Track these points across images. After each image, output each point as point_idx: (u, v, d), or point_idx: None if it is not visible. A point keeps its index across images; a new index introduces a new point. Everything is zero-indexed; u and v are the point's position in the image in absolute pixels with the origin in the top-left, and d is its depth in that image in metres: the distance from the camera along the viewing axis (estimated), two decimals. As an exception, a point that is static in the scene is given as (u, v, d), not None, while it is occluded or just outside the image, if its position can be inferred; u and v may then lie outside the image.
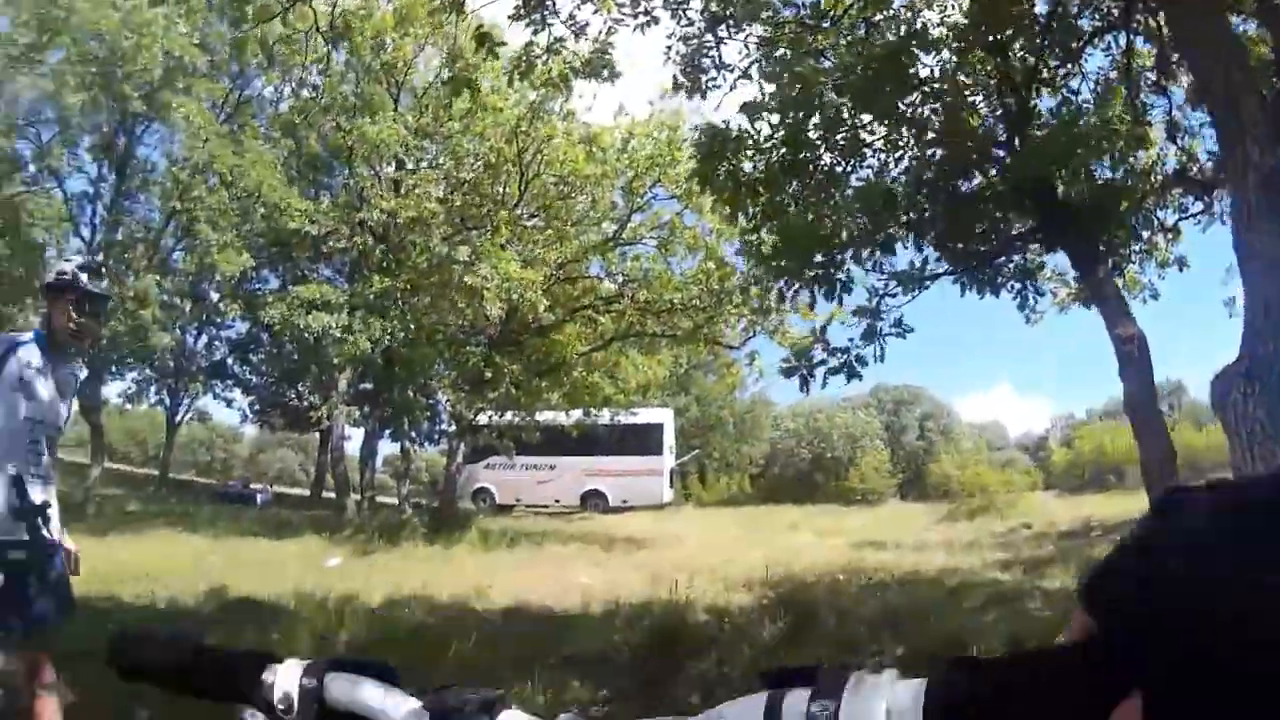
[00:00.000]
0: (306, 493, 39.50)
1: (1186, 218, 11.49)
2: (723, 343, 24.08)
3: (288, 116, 26.16)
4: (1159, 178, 10.90)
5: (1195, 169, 10.83)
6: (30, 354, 3.95)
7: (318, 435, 34.93)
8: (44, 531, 3.89)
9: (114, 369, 27.66)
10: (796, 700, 0.64)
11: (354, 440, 28.57)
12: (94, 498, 22.31)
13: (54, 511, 3.99)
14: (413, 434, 25.08)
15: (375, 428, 26.83)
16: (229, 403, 36.72)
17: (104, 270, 4.38)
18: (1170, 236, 11.44)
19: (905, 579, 9.92)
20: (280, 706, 0.83)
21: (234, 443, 71.70)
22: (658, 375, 25.03)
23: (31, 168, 24.68)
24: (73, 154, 24.95)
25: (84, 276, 4.04)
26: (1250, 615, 0.49)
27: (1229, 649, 0.50)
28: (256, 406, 37.71)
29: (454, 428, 24.46)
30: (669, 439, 32.32)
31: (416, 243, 22.86)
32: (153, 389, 33.16)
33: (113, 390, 31.67)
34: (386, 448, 31.61)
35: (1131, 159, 10.31)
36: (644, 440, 31.16)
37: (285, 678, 0.84)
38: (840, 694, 0.62)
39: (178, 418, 37.35)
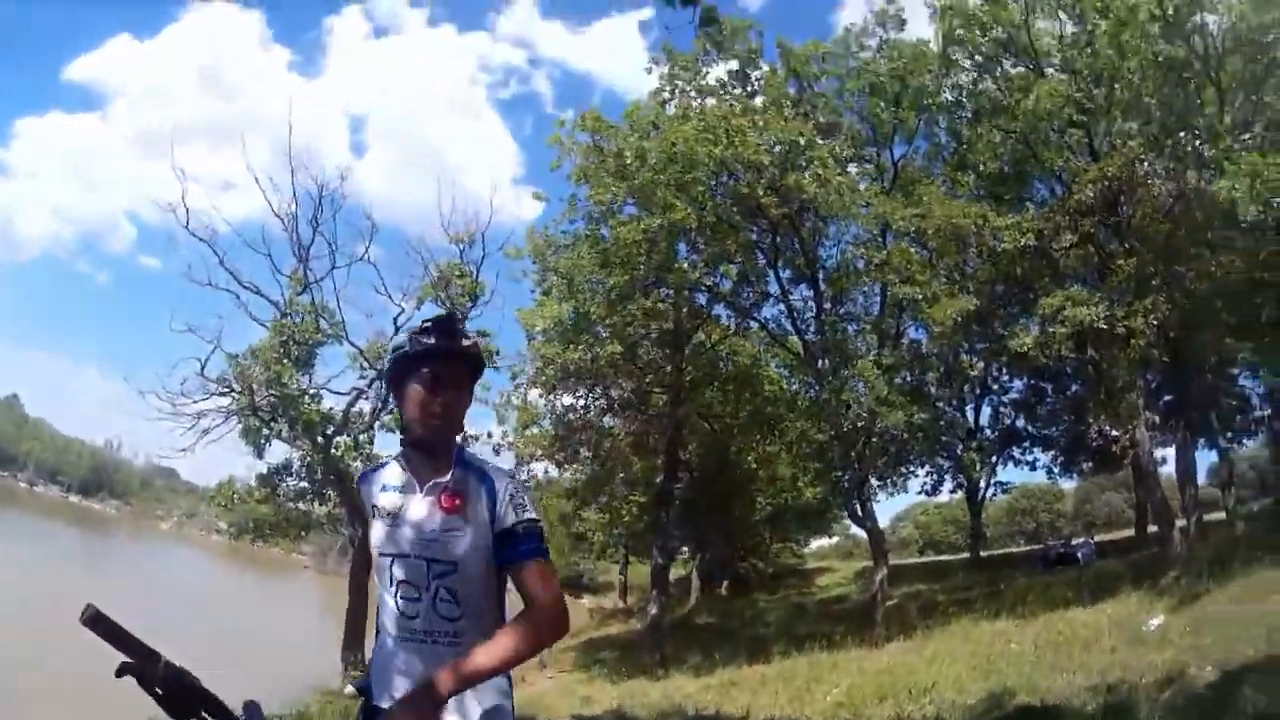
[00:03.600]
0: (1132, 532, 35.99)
1: None
2: None
3: (959, 154, 24.90)
4: None
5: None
6: (389, 475, 2.84)
7: (1131, 469, 30.78)
8: None
9: (899, 469, 28.77)
10: None
11: (1169, 463, 25.62)
12: (882, 603, 22.39)
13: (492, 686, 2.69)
14: (1227, 433, 20.92)
15: (1185, 438, 23.74)
16: (1031, 465, 36.37)
17: (451, 321, 2.80)
18: None
19: None
20: None
21: (1056, 501, 70.30)
22: None
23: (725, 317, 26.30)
24: (753, 288, 25.21)
25: (425, 340, 2.71)
26: None
27: None
28: (1060, 459, 36.49)
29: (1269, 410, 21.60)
30: None
31: (1144, 189, 20.33)
32: (947, 475, 33.42)
33: (915, 485, 33.48)
34: (1208, 458, 29.15)
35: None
36: None
37: None
38: None
39: (980, 495, 36.06)
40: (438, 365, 2.71)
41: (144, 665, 2.25)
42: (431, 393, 2.70)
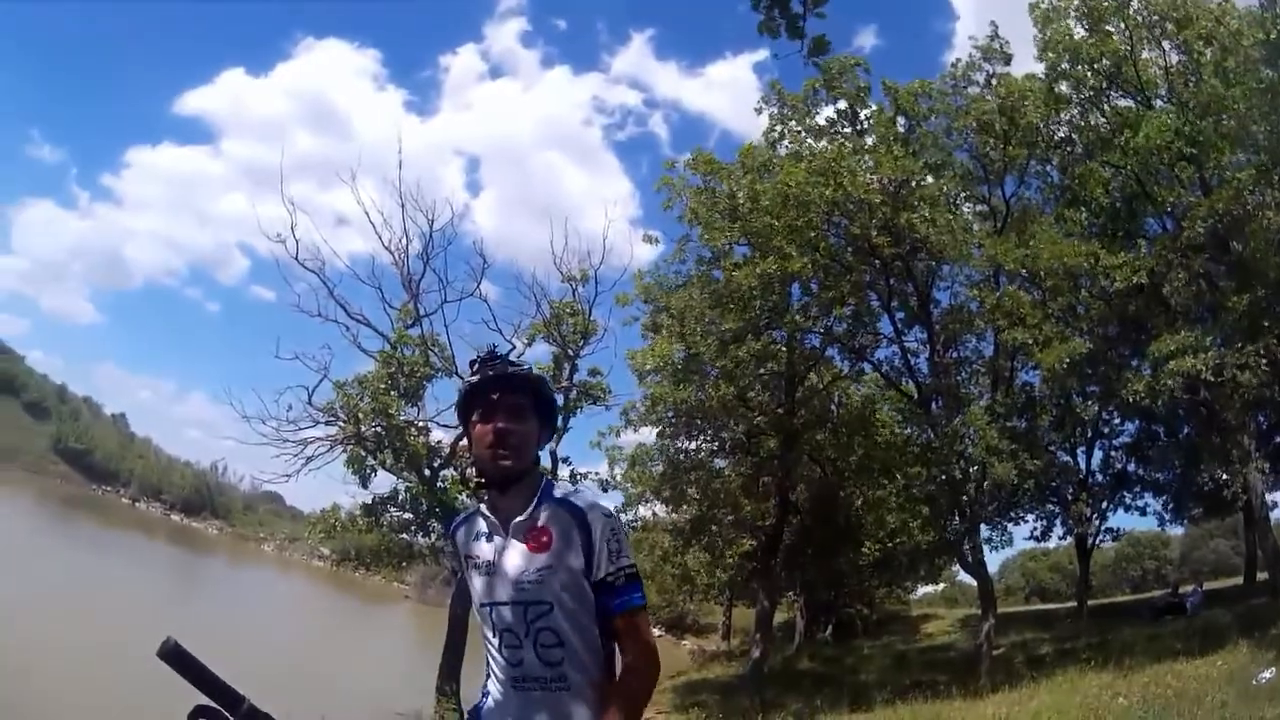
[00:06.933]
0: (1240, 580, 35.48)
1: None
2: None
3: (1070, 191, 24.32)
4: None
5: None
6: (477, 523, 2.82)
7: (1241, 514, 30.33)
8: None
9: (1010, 515, 28.54)
10: None
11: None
12: (988, 653, 21.54)
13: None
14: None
15: (1299, 482, 22.01)
16: (1142, 511, 35.32)
17: (490, 353, 2.83)
18: None
19: None
20: None
21: (1162, 547, 69.50)
22: None
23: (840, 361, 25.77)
24: (867, 330, 24.70)
25: (470, 378, 2.80)
26: None
27: None
28: (1171, 504, 35.43)
29: None
30: None
31: (1255, 221, 19.80)
32: (1057, 521, 32.62)
33: (1022, 532, 32.07)
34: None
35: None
36: None
37: None
38: None
39: (1089, 542, 34.87)
40: (487, 397, 2.72)
41: (223, 709, 2.14)
42: (487, 424, 2.69)
